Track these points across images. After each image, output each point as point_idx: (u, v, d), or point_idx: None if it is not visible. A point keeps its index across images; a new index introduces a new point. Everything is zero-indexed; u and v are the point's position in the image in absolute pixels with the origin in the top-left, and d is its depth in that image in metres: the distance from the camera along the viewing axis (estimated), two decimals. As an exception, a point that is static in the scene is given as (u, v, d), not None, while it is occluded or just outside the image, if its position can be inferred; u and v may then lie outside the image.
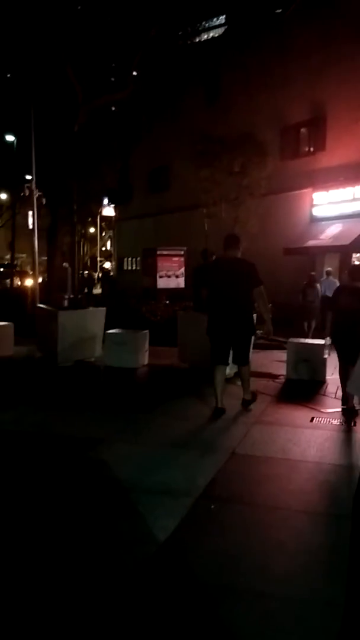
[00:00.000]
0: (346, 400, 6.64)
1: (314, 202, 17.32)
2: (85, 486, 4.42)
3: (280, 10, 19.12)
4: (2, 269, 32.17)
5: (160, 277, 17.99)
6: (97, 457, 5.05)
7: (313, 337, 10.95)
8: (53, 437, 5.69)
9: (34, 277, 15.81)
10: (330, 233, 16.06)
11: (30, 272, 24.65)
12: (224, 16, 23.25)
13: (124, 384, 8.51)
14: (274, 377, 8.85)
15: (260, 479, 4.67)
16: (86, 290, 23.45)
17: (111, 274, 34.16)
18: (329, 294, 10.56)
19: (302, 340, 9.08)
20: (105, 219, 37.90)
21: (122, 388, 8.23)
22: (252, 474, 4.78)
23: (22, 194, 20.78)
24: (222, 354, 6.63)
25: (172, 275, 18.18)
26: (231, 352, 6.76)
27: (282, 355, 9.46)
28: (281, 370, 9.00)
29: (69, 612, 2.80)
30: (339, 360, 6.80)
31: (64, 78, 16.26)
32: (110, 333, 9.75)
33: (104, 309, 10.51)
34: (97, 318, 10.25)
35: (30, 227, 16.67)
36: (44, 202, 18.16)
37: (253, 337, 7.47)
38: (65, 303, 13.63)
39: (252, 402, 6.88)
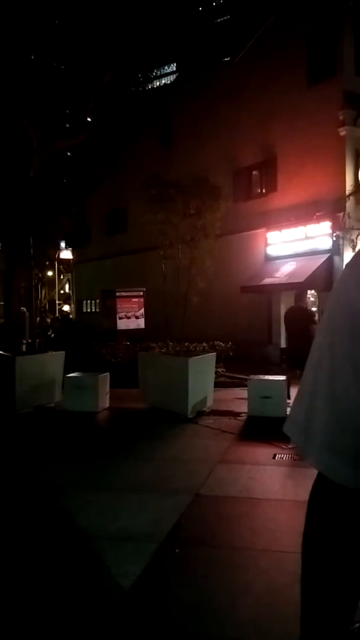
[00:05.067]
0: None
1: (268, 242, 17.72)
2: (47, 536, 4.30)
3: (228, 58, 19.90)
4: None
5: (120, 318, 17.96)
6: (59, 505, 4.93)
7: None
8: (14, 486, 5.54)
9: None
10: (285, 271, 16.41)
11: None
12: (175, 64, 24.11)
13: (85, 429, 8.39)
14: (236, 414, 8.88)
15: (224, 519, 4.64)
16: (51, 333, 23.20)
17: (70, 316, 33.93)
18: None
19: (263, 377, 9.17)
20: (63, 262, 37.84)
21: (83, 433, 8.10)
22: (216, 514, 4.74)
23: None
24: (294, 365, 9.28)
25: (131, 316, 18.17)
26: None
27: (243, 392, 9.51)
28: (242, 407, 9.03)
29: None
30: None
31: (19, 125, 16.44)
32: (69, 377, 9.63)
33: (63, 353, 10.40)
34: (56, 362, 10.13)
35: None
36: (0, 247, 18.07)
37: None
38: (23, 348, 13.45)
39: None
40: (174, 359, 9.55)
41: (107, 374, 9.88)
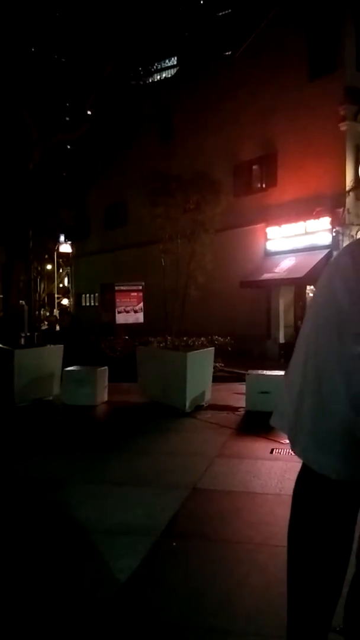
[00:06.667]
0: None
1: (268, 237, 17.72)
2: (44, 529, 4.31)
3: (229, 52, 19.83)
4: None
5: (119, 312, 17.95)
6: (57, 499, 4.94)
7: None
8: (11, 479, 5.55)
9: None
10: (284, 266, 16.43)
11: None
12: (176, 57, 24.03)
13: (84, 422, 8.40)
14: (234, 409, 8.90)
15: (221, 513, 4.65)
16: (46, 325, 23.27)
17: (69, 310, 33.97)
18: None
19: (261, 372, 9.17)
20: (63, 255, 37.86)
21: (81, 427, 8.12)
22: (213, 509, 4.75)
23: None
24: None
25: (130, 311, 18.16)
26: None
27: (242, 387, 9.52)
28: (241, 402, 9.05)
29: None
30: None
31: (19, 118, 16.39)
32: (68, 370, 9.64)
33: (62, 346, 10.41)
34: (55, 356, 10.14)
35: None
36: (-1, 240, 18.04)
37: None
38: (22, 341, 13.45)
39: None
40: (172, 353, 9.56)
41: (106, 367, 9.88)
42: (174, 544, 4.00)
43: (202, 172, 13.61)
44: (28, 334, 15.13)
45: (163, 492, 5.09)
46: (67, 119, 19.14)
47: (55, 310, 33.52)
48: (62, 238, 32.26)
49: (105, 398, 9.65)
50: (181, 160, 18.93)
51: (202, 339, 13.03)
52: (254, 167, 18.82)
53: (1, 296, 19.58)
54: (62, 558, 3.80)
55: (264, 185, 18.40)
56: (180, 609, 3.16)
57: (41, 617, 3.07)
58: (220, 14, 22.20)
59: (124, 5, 15.83)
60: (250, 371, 9.08)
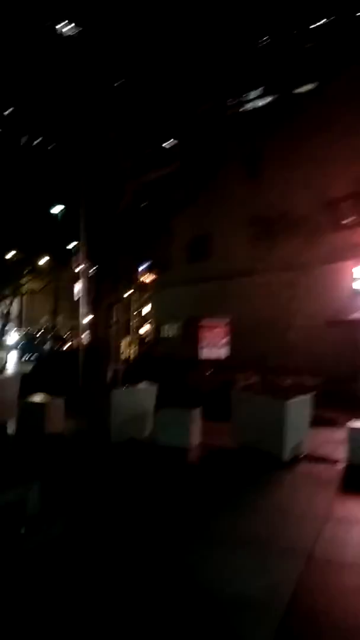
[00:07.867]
0: None
1: (356, 276, 17.26)
2: (163, 594, 4.24)
3: (317, 84, 19.49)
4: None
5: (203, 347, 17.84)
6: (172, 558, 4.88)
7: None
8: (123, 534, 5.55)
9: (80, 348, 15.97)
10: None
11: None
12: (268, 93, 24.06)
13: (181, 468, 8.27)
14: (334, 461, 8.54)
15: (346, 590, 4.39)
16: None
17: (146, 340, 34.22)
18: None
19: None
20: (142, 285, 38.26)
21: (179, 473, 7.96)
22: (335, 583, 4.50)
23: (69, 265, 21.30)
24: None
25: (214, 346, 18.02)
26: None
27: (337, 434, 9.13)
28: (338, 451, 8.68)
29: None
30: None
31: (113, 155, 16.84)
32: (162, 411, 9.61)
33: (155, 387, 10.43)
34: (149, 395, 10.18)
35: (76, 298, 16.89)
36: (88, 275, 18.40)
37: None
38: (110, 376, 13.59)
39: None
40: (270, 400, 9.26)
41: (199, 408, 9.75)
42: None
43: (290, 209, 13.53)
44: (116, 368, 15.28)
45: (277, 558, 4.91)
46: (158, 155, 19.43)
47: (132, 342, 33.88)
48: (143, 267, 32.58)
49: (198, 440, 9.54)
50: (268, 195, 18.83)
51: (288, 380, 12.72)
52: (344, 203, 18.44)
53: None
54: (190, 627, 3.70)
55: (352, 223, 18.00)
56: None
57: None
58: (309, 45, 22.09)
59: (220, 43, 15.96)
60: (352, 422, 8.59)
